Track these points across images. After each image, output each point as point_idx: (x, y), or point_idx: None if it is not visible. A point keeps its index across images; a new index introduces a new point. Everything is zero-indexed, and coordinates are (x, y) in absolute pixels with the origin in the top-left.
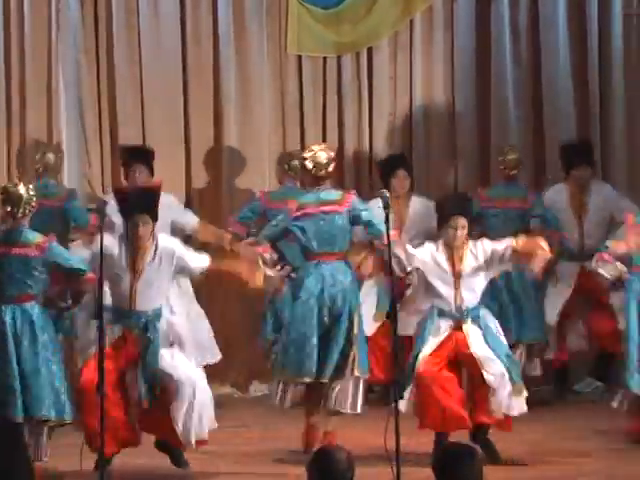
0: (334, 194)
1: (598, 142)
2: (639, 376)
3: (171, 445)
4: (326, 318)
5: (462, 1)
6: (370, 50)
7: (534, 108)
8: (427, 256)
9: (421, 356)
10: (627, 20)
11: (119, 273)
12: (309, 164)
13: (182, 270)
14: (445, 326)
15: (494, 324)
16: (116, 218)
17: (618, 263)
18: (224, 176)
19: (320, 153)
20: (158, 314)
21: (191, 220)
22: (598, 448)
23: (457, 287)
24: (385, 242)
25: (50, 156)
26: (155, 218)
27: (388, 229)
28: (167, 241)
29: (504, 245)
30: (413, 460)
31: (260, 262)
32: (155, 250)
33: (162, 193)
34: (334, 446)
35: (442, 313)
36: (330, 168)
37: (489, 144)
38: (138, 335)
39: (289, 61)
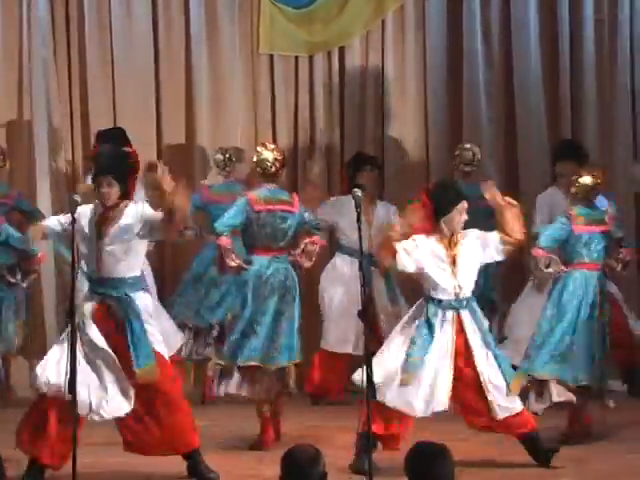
0: (286, 194)
1: None
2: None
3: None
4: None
5: (434, 0)
6: (342, 49)
7: (506, 109)
8: (425, 252)
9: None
10: (598, 24)
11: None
12: (254, 160)
13: (146, 224)
14: (441, 322)
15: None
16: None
17: (551, 255)
18: (196, 175)
19: (266, 153)
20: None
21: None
22: (568, 448)
23: (455, 275)
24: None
25: None
26: (122, 181)
27: (360, 228)
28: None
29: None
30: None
31: (225, 255)
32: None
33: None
34: (303, 444)
35: (440, 304)
36: (273, 169)
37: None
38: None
39: (261, 60)
